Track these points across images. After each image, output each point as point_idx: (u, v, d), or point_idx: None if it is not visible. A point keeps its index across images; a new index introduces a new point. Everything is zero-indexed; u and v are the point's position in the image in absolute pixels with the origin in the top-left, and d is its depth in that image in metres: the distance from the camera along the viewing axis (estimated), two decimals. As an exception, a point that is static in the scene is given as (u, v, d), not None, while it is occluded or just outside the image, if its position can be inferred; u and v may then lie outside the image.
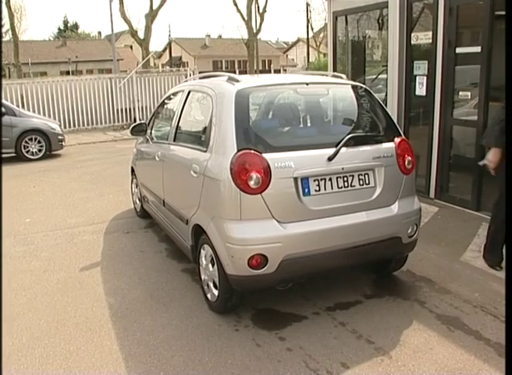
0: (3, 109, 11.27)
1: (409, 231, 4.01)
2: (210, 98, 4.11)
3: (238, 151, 3.52)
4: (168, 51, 48.57)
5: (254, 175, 3.45)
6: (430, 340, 3.42)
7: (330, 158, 3.68)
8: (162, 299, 4.20)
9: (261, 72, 46.78)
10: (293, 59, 63.03)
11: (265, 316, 3.86)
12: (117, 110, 17.84)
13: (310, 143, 3.84)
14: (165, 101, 5.82)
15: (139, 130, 6.03)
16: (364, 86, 4.53)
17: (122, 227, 6.19)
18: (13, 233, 6.12)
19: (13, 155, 11.50)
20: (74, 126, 17.02)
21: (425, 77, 6.74)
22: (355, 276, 4.53)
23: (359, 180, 3.82)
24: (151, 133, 5.84)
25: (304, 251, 3.57)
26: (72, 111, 17.01)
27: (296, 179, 3.57)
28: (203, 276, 4.14)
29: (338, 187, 3.73)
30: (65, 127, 15.60)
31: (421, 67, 6.84)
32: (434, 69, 6.51)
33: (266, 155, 3.53)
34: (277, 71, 37.24)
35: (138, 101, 17.86)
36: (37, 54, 46.36)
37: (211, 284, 3.95)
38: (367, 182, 3.85)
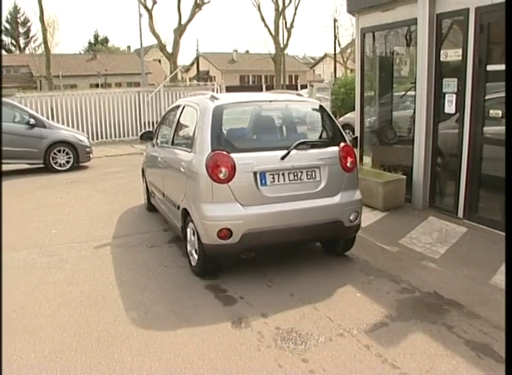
0: (33, 120, 11.50)
1: (351, 218, 4.98)
2: (196, 111, 5.24)
3: (212, 151, 4.65)
4: (195, 65, 49.11)
5: (223, 169, 4.56)
6: (458, 367, 3.31)
7: (282, 158, 4.73)
8: (184, 316, 4.16)
9: (288, 87, 46.88)
10: (319, 75, 62.99)
11: (288, 336, 3.78)
12: (144, 123, 18.03)
13: (268, 146, 4.95)
14: (167, 113, 6.92)
15: (147, 136, 7.24)
16: (318, 102, 5.71)
17: (147, 241, 6.19)
18: (39, 244, 6.18)
19: (42, 166, 11.69)
20: (102, 138, 17.26)
21: (455, 95, 6.63)
22: (379, 296, 4.43)
23: (307, 175, 4.83)
24: (156, 139, 6.96)
25: (260, 227, 4.60)
26: (101, 123, 17.27)
27: (255, 173, 4.64)
28: (188, 248, 5.19)
29: (289, 180, 4.77)
30: (93, 139, 15.83)
31: (450, 85, 6.74)
32: (464, 87, 6.40)
33: (233, 155, 4.63)
34: (304, 86, 37.28)
35: (165, 114, 18.03)
36: (68, 67, 47.36)
37: (194, 253, 5.02)
38: (313, 177, 4.85)
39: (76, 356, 3.56)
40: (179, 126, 5.97)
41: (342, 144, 5.07)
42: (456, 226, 6.37)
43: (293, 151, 4.78)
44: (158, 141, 6.81)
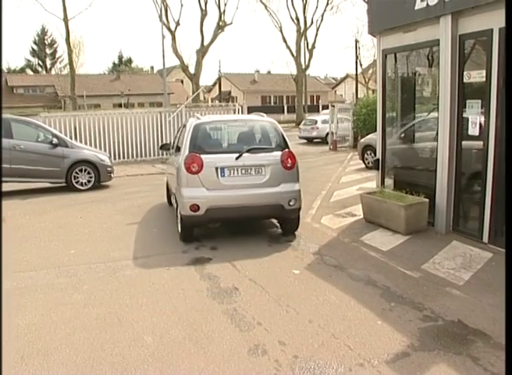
0: (55, 140, 11.64)
1: (290, 203, 6.85)
2: (186, 127, 7.39)
3: (189, 153, 6.81)
4: (217, 85, 49.63)
5: (195, 165, 6.68)
6: (485, 402, 3.15)
7: (236, 158, 6.76)
8: (200, 341, 4.08)
9: (309, 107, 46.99)
10: (341, 95, 63.03)
11: (306, 365, 3.66)
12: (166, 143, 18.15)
13: (228, 150, 7.19)
14: (178, 128, 9.55)
15: (165, 147, 9.70)
16: (271, 120, 7.60)
17: (165, 263, 6.14)
18: (57, 265, 6.17)
19: (64, 185, 11.79)
20: (124, 157, 17.41)
21: (478, 117, 6.51)
22: (401, 324, 4.28)
23: (255, 171, 6.81)
24: (172, 148, 9.02)
25: (218, 205, 6.67)
26: (123, 143, 17.44)
27: (217, 168, 6.72)
28: (178, 221, 7.16)
29: (241, 174, 6.79)
30: (114, 159, 15.97)
31: (474, 106, 6.62)
32: (488, 109, 6.28)
33: (202, 156, 6.75)
34: (325, 107, 37.36)
35: (186, 134, 18.12)
36: (92, 87, 48.22)
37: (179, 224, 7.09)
38: (260, 172, 6.82)
39: (90, 382, 3.50)
40: (180, 137, 7.87)
41: (284, 150, 7.03)
42: (480, 251, 6.20)
43: (246, 154, 6.82)
44: (172, 150, 8.81)
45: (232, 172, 6.74)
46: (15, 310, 4.74)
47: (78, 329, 4.35)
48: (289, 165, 6.90)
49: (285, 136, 7.27)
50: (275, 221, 7.77)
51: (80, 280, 5.61)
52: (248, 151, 6.83)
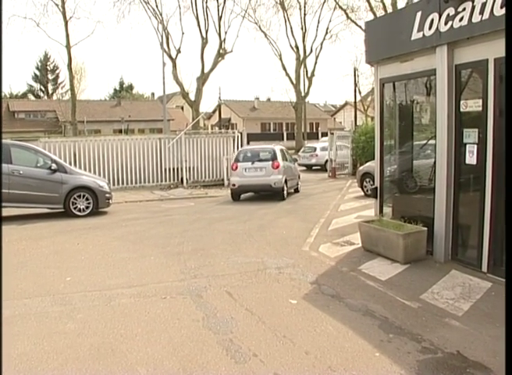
0: (54, 166, 11.66)
1: (275, 184, 14.64)
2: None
3: (234, 162, 15.81)
4: (217, 112, 49.93)
5: (234, 167, 15.40)
6: None
7: (251, 164, 15.09)
8: (195, 373, 3.99)
9: (309, 134, 47.23)
10: (340, 122, 63.42)
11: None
12: (165, 169, 18.19)
13: (249, 160, 15.35)
14: None
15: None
16: (273, 147, 16.00)
17: (160, 292, 6.05)
18: (52, 292, 6.10)
19: (62, 210, 11.77)
20: (122, 183, 17.43)
21: (476, 146, 6.52)
22: (399, 357, 4.20)
23: (259, 169, 14.96)
24: None
25: (243, 184, 15.06)
26: (122, 169, 17.48)
27: (243, 168, 15.15)
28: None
29: (253, 170, 15.01)
30: (113, 185, 15.98)
31: (471, 135, 6.64)
32: (485, 138, 6.31)
33: (238, 163, 15.41)
34: (324, 134, 37.65)
35: (186, 161, 18.21)
36: (93, 113, 48.56)
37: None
38: (262, 170, 14.92)
39: (81, 415, 3.42)
40: None
41: (274, 160, 14.79)
42: (480, 280, 6.14)
43: (256, 162, 14.95)
44: None
45: (249, 170, 14.73)
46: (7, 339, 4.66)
47: (71, 359, 4.27)
48: (275, 167, 14.47)
49: (277, 154, 15.04)
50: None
51: (74, 309, 5.53)
52: (257, 160, 14.83)
